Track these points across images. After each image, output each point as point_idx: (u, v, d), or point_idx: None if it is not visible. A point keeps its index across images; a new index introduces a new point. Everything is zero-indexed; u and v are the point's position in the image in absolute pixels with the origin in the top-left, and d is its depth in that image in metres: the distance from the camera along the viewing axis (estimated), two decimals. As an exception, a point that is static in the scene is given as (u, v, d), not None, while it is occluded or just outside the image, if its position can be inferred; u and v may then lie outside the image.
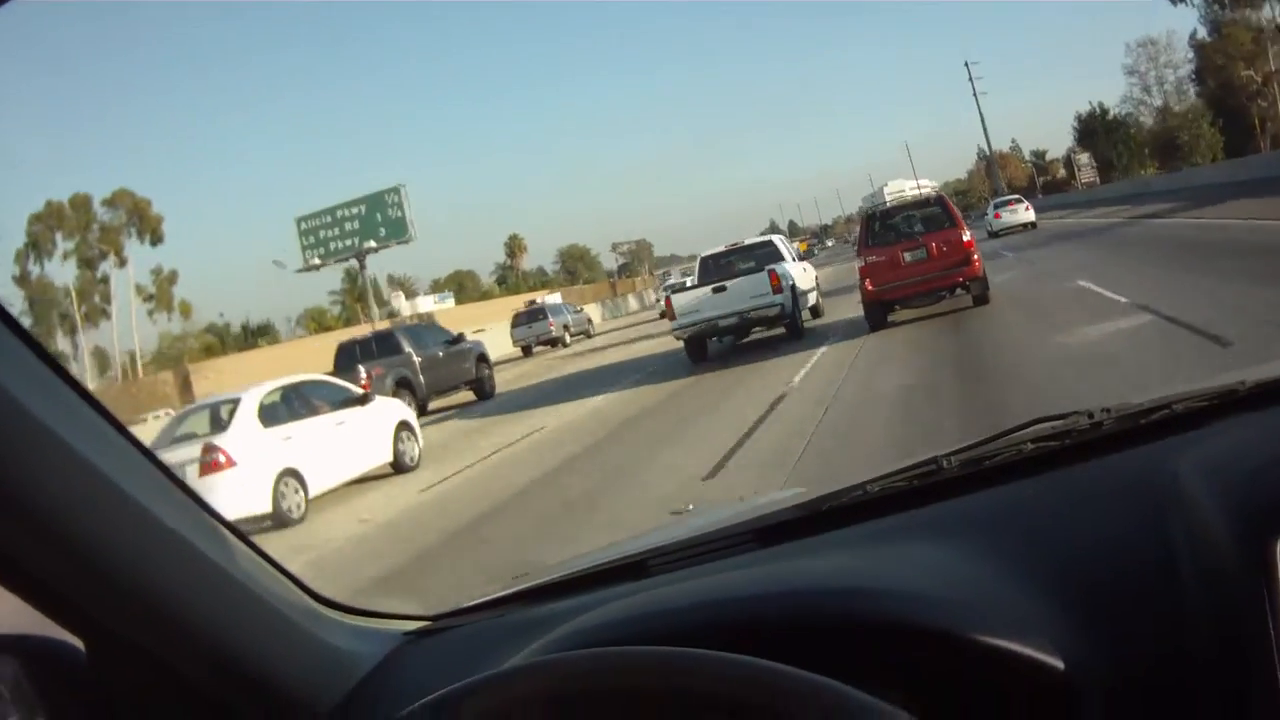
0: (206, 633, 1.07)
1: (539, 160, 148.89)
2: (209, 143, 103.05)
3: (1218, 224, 19.63)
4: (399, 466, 12.38)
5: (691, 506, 6.39)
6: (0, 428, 0.89)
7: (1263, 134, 53.83)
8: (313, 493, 10.85)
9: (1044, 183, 75.13)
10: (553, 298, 46.84)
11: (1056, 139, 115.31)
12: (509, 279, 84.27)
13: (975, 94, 63.52)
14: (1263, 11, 51.50)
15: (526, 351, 35.47)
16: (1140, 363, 7.74)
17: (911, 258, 14.71)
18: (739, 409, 10.83)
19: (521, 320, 36.91)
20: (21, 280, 49.82)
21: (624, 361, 22.38)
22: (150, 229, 53.27)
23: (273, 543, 9.60)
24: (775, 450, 8.25)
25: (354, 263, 41.04)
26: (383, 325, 30.83)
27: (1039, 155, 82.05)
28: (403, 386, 17.94)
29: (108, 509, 0.98)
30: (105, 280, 53.25)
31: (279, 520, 10.29)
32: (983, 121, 68.88)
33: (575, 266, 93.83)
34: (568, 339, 36.45)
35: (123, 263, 53.45)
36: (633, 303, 67.07)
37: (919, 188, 21.27)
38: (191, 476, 9.95)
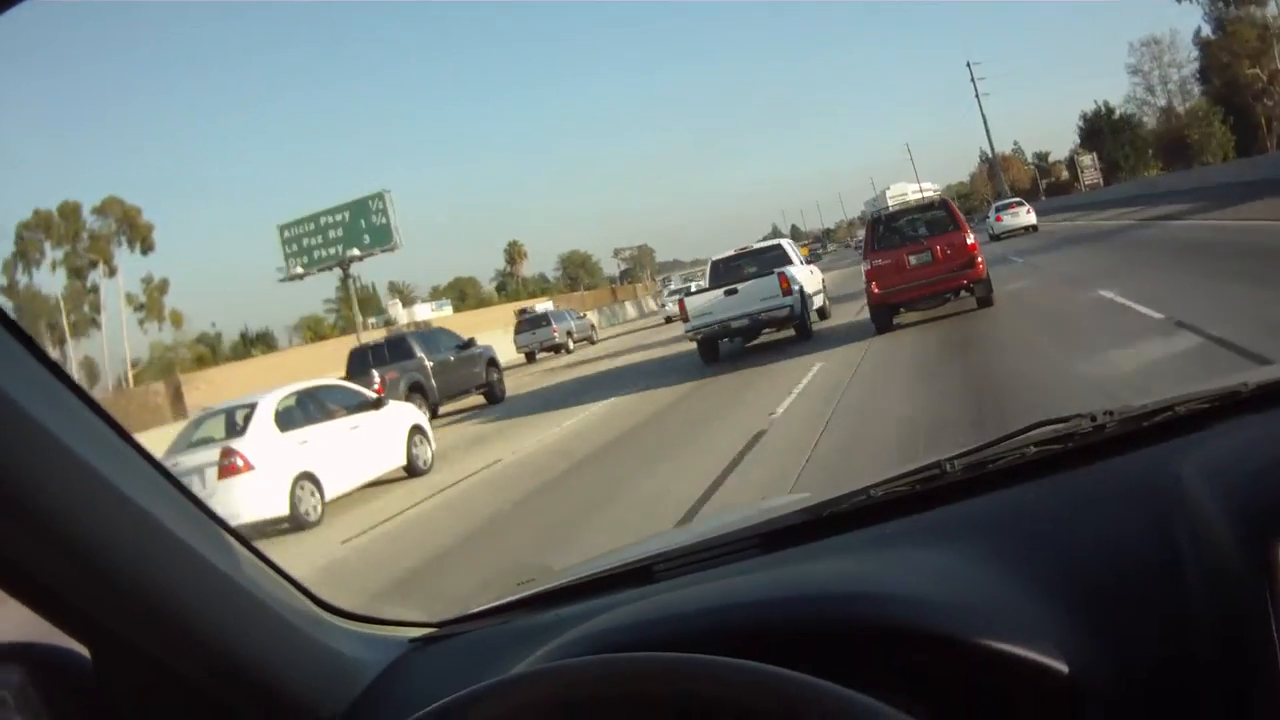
0: (212, 639, 1.07)
1: (541, 166, 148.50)
2: (199, 149, 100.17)
3: (1239, 226, 18.26)
4: (412, 470, 12.44)
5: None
6: (6, 434, 0.89)
7: (1269, 133, 53.10)
8: (329, 496, 10.91)
9: (1047, 185, 74.37)
10: (543, 305, 46.70)
11: (1059, 141, 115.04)
12: (509, 286, 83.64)
13: (977, 95, 62.89)
14: (1268, 8, 51.01)
15: (530, 358, 35.50)
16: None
17: (917, 261, 14.77)
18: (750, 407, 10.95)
19: (525, 326, 36.88)
20: (9, 290, 48.83)
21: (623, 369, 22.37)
22: (140, 237, 52.13)
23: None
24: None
25: (349, 270, 40.18)
26: (378, 334, 30.81)
27: (1041, 157, 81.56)
28: (415, 391, 18.05)
29: (113, 515, 0.98)
30: (95, 289, 52.24)
31: (296, 523, 10.36)
32: (985, 123, 67.96)
33: (576, 273, 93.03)
34: (571, 345, 36.44)
35: (112, 272, 52.43)
36: (630, 310, 65.43)
37: (921, 191, 21.45)
38: (210, 479, 10.07)
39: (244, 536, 1.19)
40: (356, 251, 36.05)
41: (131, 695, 1.06)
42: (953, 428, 7.21)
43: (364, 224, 36.22)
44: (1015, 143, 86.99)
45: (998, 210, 38.03)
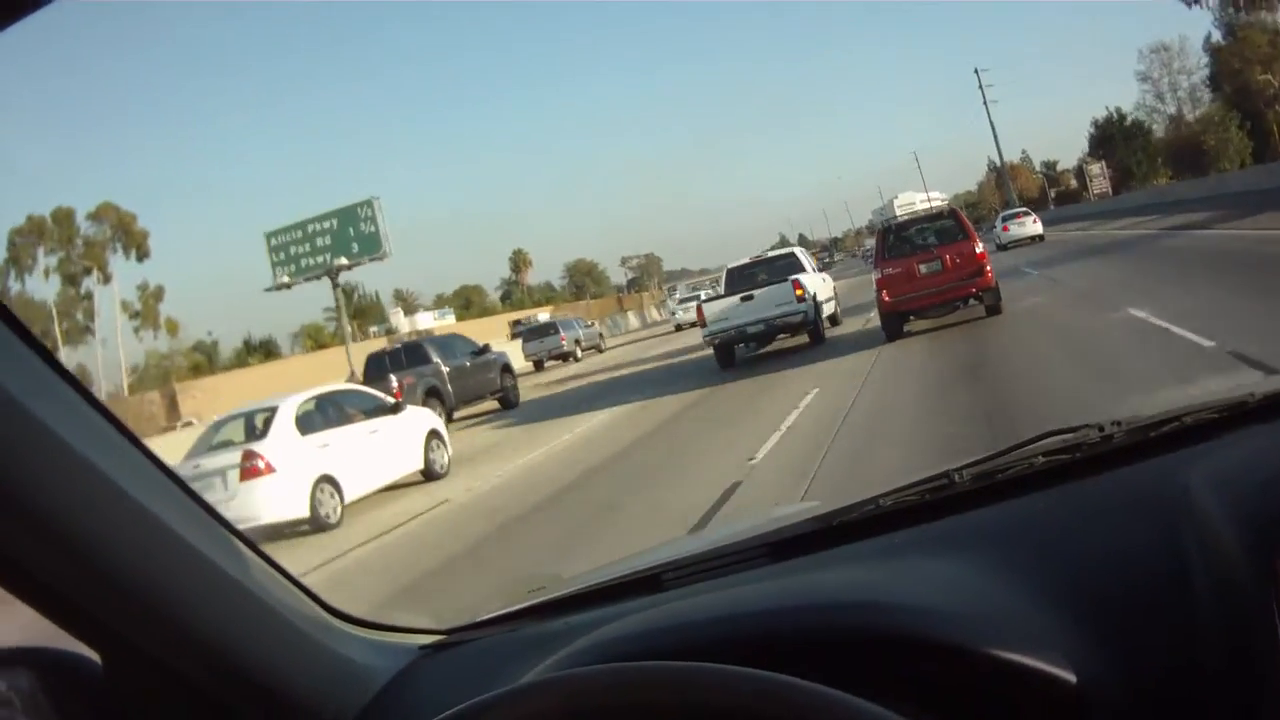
0: (221, 645, 1.07)
1: (549, 175, 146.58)
2: (196, 155, 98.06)
3: (1259, 235, 17.18)
4: (429, 474, 12.49)
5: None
6: (17, 441, 0.89)
7: (1282, 139, 52.45)
8: (348, 498, 10.96)
9: (1056, 194, 73.79)
10: (543, 315, 46.48)
11: (1067, 149, 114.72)
12: (513, 294, 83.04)
13: (985, 102, 62.09)
14: (1279, 13, 50.47)
15: (538, 366, 35.50)
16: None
17: (926, 269, 14.84)
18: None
19: (532, 335, 36.96)
20: (1, 297, 47.02)
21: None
22: (136, 244, 51.20)
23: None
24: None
25: (348, 278, 39.53)
26: (379, 343, 30.80)
27: (1050, 166, 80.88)
28: (432, 396, 18.15)
29: (123, 521, 0.98)
30: (89, 297, 51.18)
31: (316, 525, 10.42)
32: (993, 130, 67.53)
33: (583, 281, 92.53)
34: (579, 353, 36.44)
35: (107, 279, 51.34)
36: (632, 320, 63.28)
37: (929, 200, 21.67)
38: (232, 481, 10.16)
39: (254, 542, 1.19)
40: (344, 260, 34.48)
41: (140, 700, 1.06)
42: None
43: (352, 232, 34.66)
44: (1023, 151, 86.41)
45: (1004, 220, 37.93)
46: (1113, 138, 63.85)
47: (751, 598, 1.20)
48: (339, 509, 10.81)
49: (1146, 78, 62.68)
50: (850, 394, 10.81)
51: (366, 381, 16.62)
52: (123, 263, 51.63)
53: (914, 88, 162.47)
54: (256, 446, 10.53)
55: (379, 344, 44.34)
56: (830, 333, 18.79)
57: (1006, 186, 68.72)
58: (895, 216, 18.11)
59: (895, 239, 15.98)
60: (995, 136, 70.18)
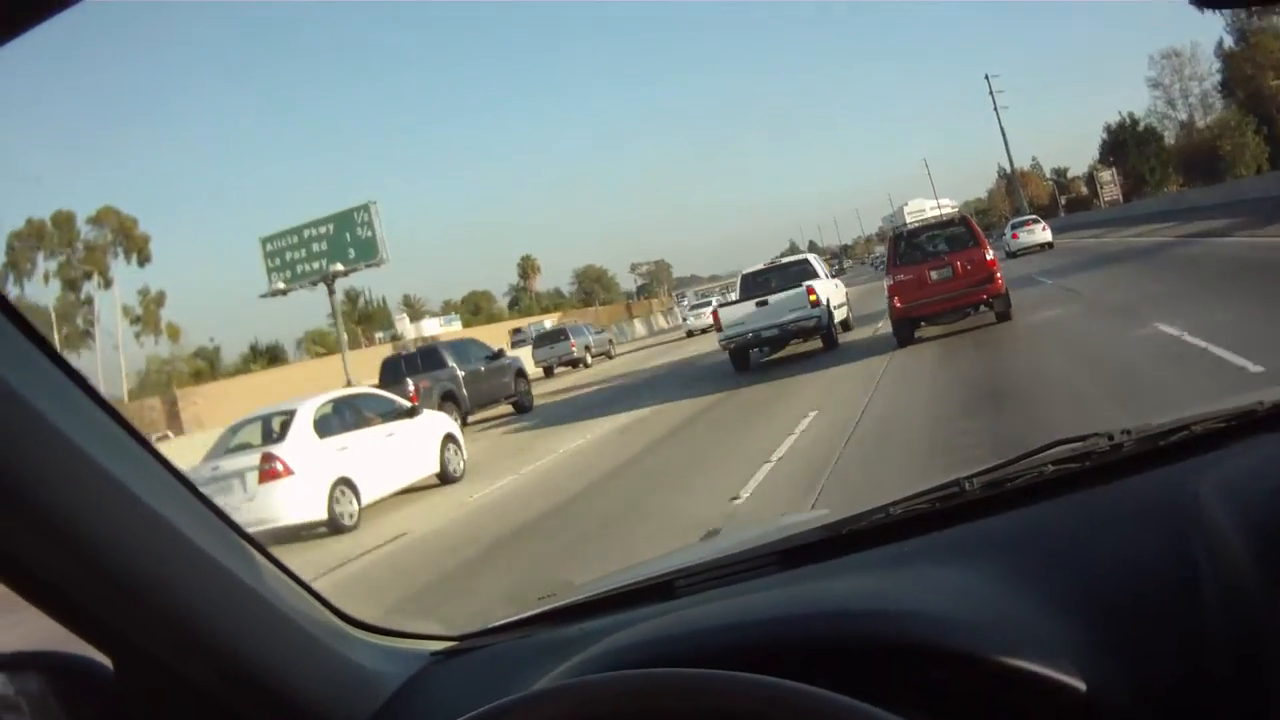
0: (232, 650, 1.06)
1: (557, 180, 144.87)
2: (199, 159, 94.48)
3: None
4: (445, 477, 12.53)
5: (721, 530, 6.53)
6: (26, 444, 0.89)
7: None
8: (365, 501, 11.00)
9: (1067, 201, 73.10)
10: (546, 322, 46.11)
11: (1077, 157, 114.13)
12: (521, 300, 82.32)
13: (996, 108, 61.19)
14: (1293, 18, 49.59)
15: (548, 372, 35.42)
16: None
17: (938, 276, 14.90)
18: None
19: (543, 341, 36.89)
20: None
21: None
22: (137, 248, 49.92)
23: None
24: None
25: (353, 284, 39.08)
26: (384, 349, 30.71)
27: (1060, 173, 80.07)
28: (448, 400, 18.25)
29: (134, 525, 0.97)
30: (89, 302, 49.87)
31: (334, 527, 10.47)
32: (1004, 137, 65.53)
33: (592, 288, 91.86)
34: (589, 360, 36.40)
35: (108, 283, 49.87)
36: (639, 328, 61.58)
37: (939, 207, 21.68)
38: (250, 483, 10.23)
39: (264, 547, 1.18)
40: (340, 266, 33.29)
41: (150, 704, 1.05)
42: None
43: (349, 237, 33.35)
44: (1034, 158, 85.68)
45: (1013, 228, 37.75)
46: (1125, 143, 62.89)
47: (762, 605, 1.20)
48: (356, 511, 10.85)
49: (1158, 84, 61.96)
50: (861, 400, 10.80)
51: (382, 385, 16.69)
52: (124, 267, 50.55)
53: (924, 95, 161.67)
54: (275, 449, 10.59)
55: (384, 350, 43.29)
56: (842, 338, 18.86)
57: (1017, 193, 67.99)
58: (905, 223, 18.22)
59: (907, 246, 16.10)
60: (1006, 143, 68.87)
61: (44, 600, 0.96)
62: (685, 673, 0.83)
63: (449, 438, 12.89)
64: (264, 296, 34.67)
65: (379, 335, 59.13)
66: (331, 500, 10.53)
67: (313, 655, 1.18)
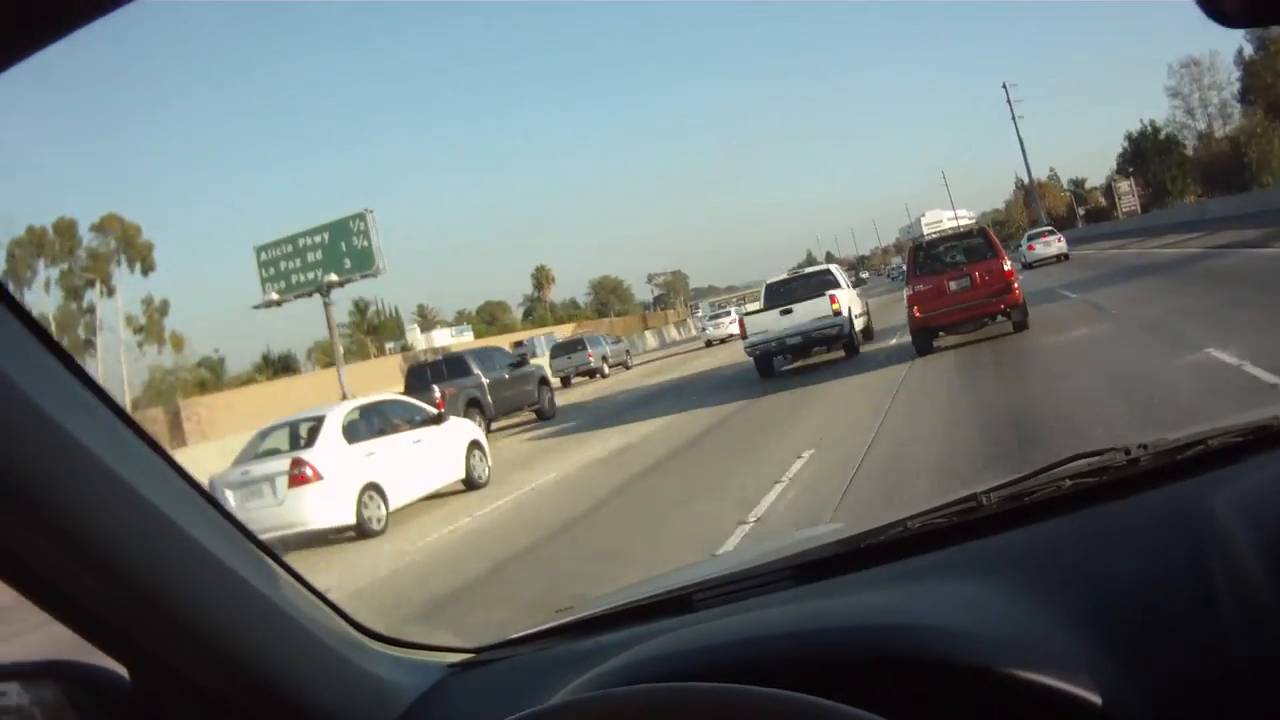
0: (248, 661, 1.05)
1: (577, 191, 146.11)
2: (206, 167, 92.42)
3: None
4: (470, 483, 12.58)
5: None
6: (43, 454, 0.88)
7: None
8: (392, 506, 11.05)
9: (1086, 211, 72.43)
10: (555, 334, 45.70)
11: (1094, 168, 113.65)
12: (536, 310, 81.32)
13: (1014, 117, 60.46)
14: (1314, 26, 49.09)
15: (565, 382, 35.29)
16: None
17: (956, 286, 14.98)
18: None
19: (560, 351, 36.84)
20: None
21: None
22: (140, 256, 48.24)
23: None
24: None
25: (362, 293, 38.03)
26: (392, 361, 30.16)
27: (1078, 184, 79.54)
28: (473, 406, 18.44)
29: (150, 533, 0.97)
30: (91, 310, 47.87)
31: (362, 532, 10.51)
32: (1021, 146, 64.51)
33: (607, 298, 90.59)
34: (606, 370, 36.34)
35: (110, 292, 47.97)
36: (650, 340, 60.13)
37: (956, 218, 21.86)
38: (280, 488, 10.30)
39: (281, 558, 1.18)
40: (335, 277, 31.75)
41: (166, 715, 1.05)
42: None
43: (344, 247, 31.89)
44: (1051, 169, 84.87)
45: (1030, 239, 37.57)
46: (1148, 152, 61.87)
47: (779, 620, 1.19)
48: (384, 516, 10.89)
49: (1177, 93, 61.11)
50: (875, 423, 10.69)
51: (408, 392, 16.84)
52: (127, 276, 48.82)
53: (941, 106, 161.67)
54: (305, 454, 10.64)
55: (395, 361, 42.80)
56: (862, 348, 18.95)
57: (1035, 204, 67.40)
58: (923, 234, 18.30)
59: (926, 256, 16.20)
60: (1024, 152, 68.29)
61: (59, 609, 0.95)
62: (705, 687, 0.82)
63: (474, 444, 12.95)
64: (257, 308, 33.32)
65: (389, 346, 58.13)
66: (360, 505, 10.57)
67: (329, 666, 1.17)
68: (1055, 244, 35.97)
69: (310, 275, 32.14)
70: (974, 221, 28.31)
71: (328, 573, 8.99)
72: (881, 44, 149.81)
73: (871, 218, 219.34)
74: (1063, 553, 1.14)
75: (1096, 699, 0.90)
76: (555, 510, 9.90)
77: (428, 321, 65.51)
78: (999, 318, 15.20)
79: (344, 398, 22.77)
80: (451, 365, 20.21)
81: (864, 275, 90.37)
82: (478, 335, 57.06)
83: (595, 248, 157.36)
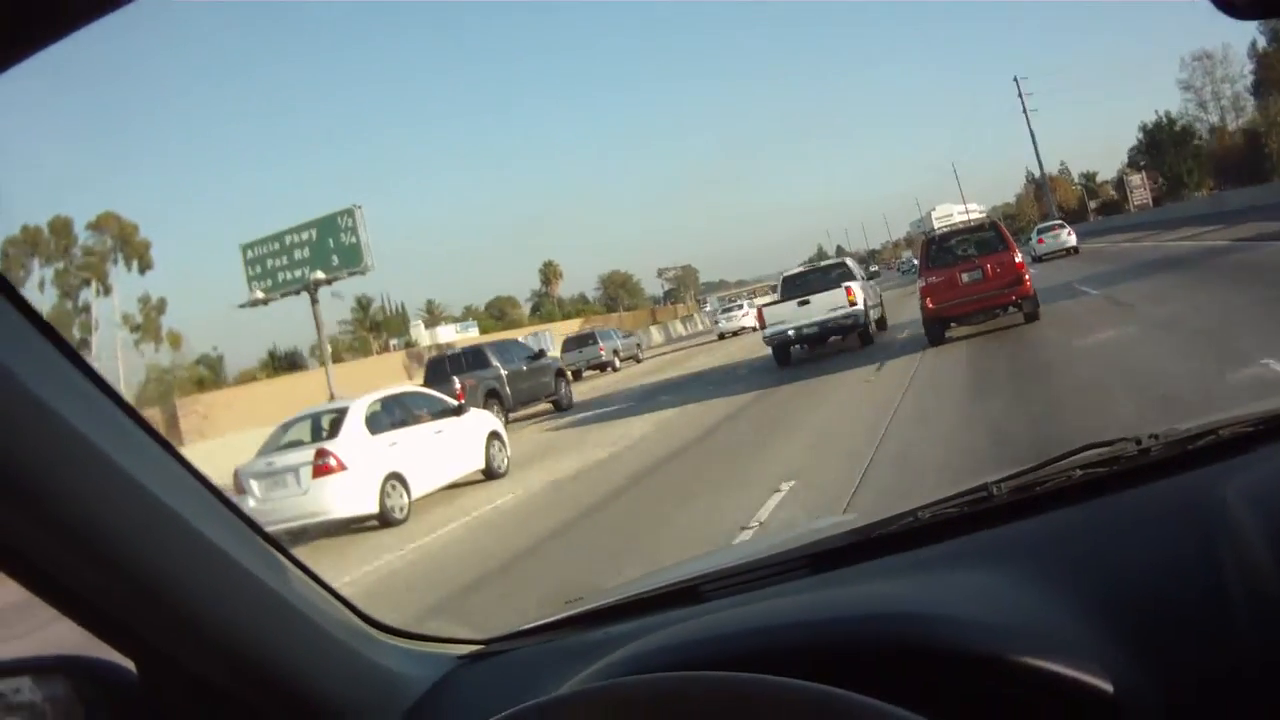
0: (257, 654, 1.04)
1: (586, 185, 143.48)
2: (206, 163, 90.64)
3: None
4: (490, 473, 12.63)
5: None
6: (48, 450, 0.87)
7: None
8: (414, 495, 11.10)
9: (1100, 204, 71.19)
10: (545, 332, 45.27)
11: (1104, 162, 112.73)
12: (543, 306, 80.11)
13: (1025, 110, 60.02)
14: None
15: (576, 375, 34.54)
16: None
17: (968, 278, 15.15)
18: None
19: (572, 345, 36.62)
20: None
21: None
22: (138, 255, 47.32)
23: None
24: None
25: (365, 289, 37.22)
26: (396, 358, 29.45)
27: (1089, 177, 78.43)
28: (492, 397, 18.55)
29: (156, 527, 0.96)
30: (86, 309, 46.94)
31: (385, 521, 10.56)
32: (1033, 138, 64.96)
33: (617, 293, 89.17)
34: (618, 363, 36.24)
35: (107, 291, 47.13)
36: (655, 335, 57.45)
37: (967, 212, 22.11)
38: (304, 478, 10.38)
39: (289, 551, 1.16)
40: (322, 274, 30.53)
41: (175, 708, 1.04)
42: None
43: (332, 243, 30.63)
44: (1062, 163, 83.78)
45: (1040, 232, 37.31)
46: (1163, 143, 60.49)
47: (790, 610, 1.18)
48: (407, 505, 10.95)
49: (1189, 86, 59.85)
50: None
51: (428, 384, 17.04)
52: (124, 274, 47.68)
53: (951, 100, 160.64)
54: (329, 445, 10.70)
55: (399, 358, 42.32)
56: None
57: (1047, 196, 66.55)
58: (934, 228, 18.45)
59: (938, 249, 16.43)
60: (1035, 145, 67.07)
61: (65, 603, 0.94)
62: (716, 676, 0.81)
63: (494, 435, 13.00)
64: (243, 306, 32.08)
65: (393, 342, 57.12)
66: (383, 495, 10.63)
67: (338, 658, 1.16)
68: (1065, 237, 35.73)
69: (297, 273, 31.09)
70: (985, 215, 28.22)
71: (354, 559, 9.10)
72: (890, 38, 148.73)
73: (882, 212, 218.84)
74: (1074, 542, 1.13)
75: (1108, 687, 0.89)
76: (573, 499, 9.95)
77: (434, 318, 64.59)
78: (1010, 309, 15.24)
79: (331, 398, 22.65)
80: (471, 357, 20.37)
81: (874, 268, 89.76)
82: (484, 331, 55.90)
83: (606, 243, 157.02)
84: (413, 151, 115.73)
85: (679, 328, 63.47)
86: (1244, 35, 59.90)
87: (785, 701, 0.75)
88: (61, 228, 46.18)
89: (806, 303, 18.20)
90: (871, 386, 12.35)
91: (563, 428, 17.68)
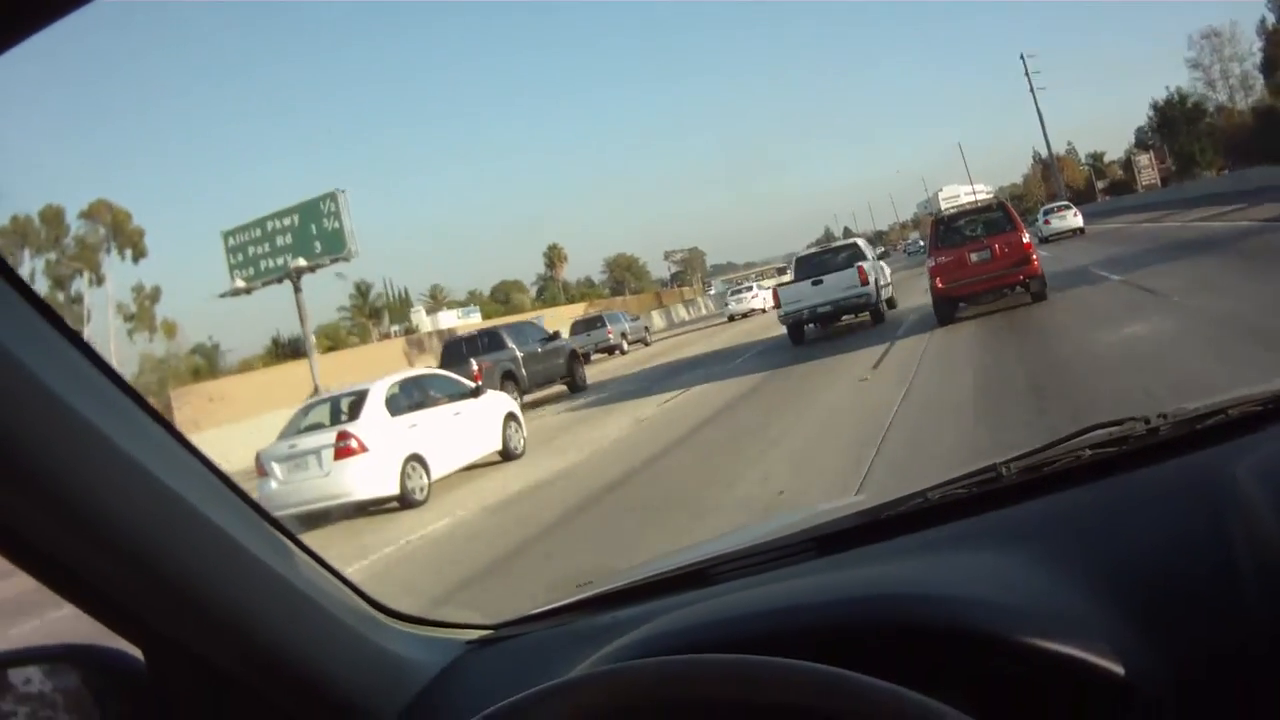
0: (266, 641, 1.04)
1: (590, 169, 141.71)
2: (202, 152, 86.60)
3: None
4: (507, 454, 12.70)
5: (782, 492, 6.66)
6: (55, 436, 0.86)
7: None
8: (434, 476, 11.16)
9: (1107, 184, 70.34)
10: (539, 317, 44.75)
11: (1111, 142, 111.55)
12: (548, 289, 78.80)
13: (1032, 89, 58.61)
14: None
15: (585, 358, 34.67)
16: None
17: (977, 258, 15.20)
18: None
19: (580, 328, 36.35)
20: None
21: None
22: (131, 243, 45.70)
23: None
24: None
25: (363, 274, 35.59)
26: (396, 344, 28.76)
27: (1096, 158, 77.64)
28: (508, 379, 18.64)
29: (163, 514, 0.94)
30: (78, 300, 45.19)
31: (405, 502, 10.63)
32: (1040, 117, 62.81)
33: (623, 276, 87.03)
34: (625, 346, 36.14)
35: (100, 280, 45.64)
36: (657, 320, 54.63)
37: (974, 193, 22.25)
38: (326, 460, 10.45)
39: (296, 536, 1.15)
40: (304, 262, 29.08)
41: (184, 696, 1.03)
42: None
43: (314, 229, 29.14)
44: (1069, 143, 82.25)
45: (1046, 213, 37.04)
46: (1175, 120, 59.01)
47: (799, 592, 1.17)
48: (427, 486, 11.01)
49: (1197, 64, 58.62)
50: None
51: (445, 366, 17.15)
52: (117, 263, 46.05)
53: (957, 81, 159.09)
54: (350, 427, 10.74)
55: (397, 345, 41.67)
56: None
57: (1055, 176, 65.74)
58: (941, 209, 18.53)
59: (947, 230, 16.50)
60: (1042, 123, 64.97)
61: (75, 593, 0.94)
62: (725, 658, 0.80)
63: (510, 416, 13.05)
64: (223, 296, 30.64)
65: (394, 329, 55.73)
66: (403, 476, 10.68)
67: (347, 644, 1.15)
68: (1071, 217, 35.52)
69: (279, 260, 29.64)
70: (992, 196, 28.17)
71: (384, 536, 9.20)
72: (897, 19, 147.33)
73: (888, 193, 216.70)
74: (1083, 522, 1.11)
75: (1119, 668, 0.88)
76: (589, 479, 10.00)
77: (437, 303, 63.51)
78: (1018, 289, 15.27)
79: (315, 391, 22.17)
80: (487, 340, 20.48)
81: (879, 249, 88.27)
82: (485, 316, 53.47)
83: (613, 226, 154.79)
84: (419, 137, 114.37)
85: (681, 312, 61.44)
86: (1252, 12, 58.51)
87: (795, 683, 0.75)
88: (53, 217, 44.50)
89: (820, 282, 18.53)
90: (878, 369, 12.34)
91: (578, 409, 17.74)
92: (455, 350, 20.30)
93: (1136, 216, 35.58)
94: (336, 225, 29.24)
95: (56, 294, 44.32)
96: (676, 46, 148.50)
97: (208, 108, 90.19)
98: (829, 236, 79.67)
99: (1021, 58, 59.22)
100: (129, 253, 46.13)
